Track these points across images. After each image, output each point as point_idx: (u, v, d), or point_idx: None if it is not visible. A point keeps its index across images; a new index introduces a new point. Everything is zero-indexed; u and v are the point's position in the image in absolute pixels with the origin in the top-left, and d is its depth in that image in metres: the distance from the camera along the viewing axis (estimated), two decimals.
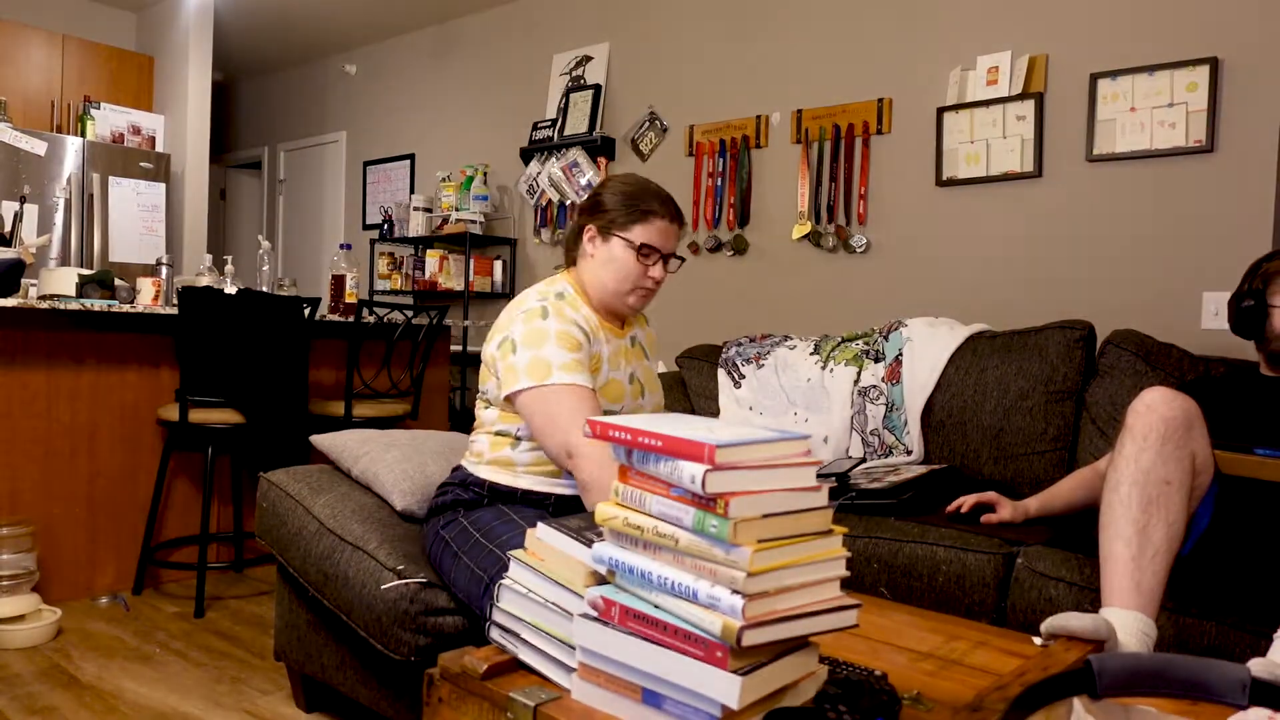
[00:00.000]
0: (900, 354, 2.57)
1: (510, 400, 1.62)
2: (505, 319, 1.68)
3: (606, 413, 1.68)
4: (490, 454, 1.71)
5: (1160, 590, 1.38)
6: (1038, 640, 1.34)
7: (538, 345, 1.59)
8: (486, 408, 1.73)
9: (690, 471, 0.94)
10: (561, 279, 1.76)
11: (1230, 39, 2.79)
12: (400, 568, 1.67)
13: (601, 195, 1.73)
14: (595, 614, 1.04)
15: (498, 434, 1.71)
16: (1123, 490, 1.44)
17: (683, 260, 1.78)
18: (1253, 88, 2.75)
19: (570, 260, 1.80)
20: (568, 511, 1.68)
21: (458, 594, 1.59)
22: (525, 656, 1.16)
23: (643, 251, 1.68)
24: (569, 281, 1.75)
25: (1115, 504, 1.44)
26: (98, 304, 2.84)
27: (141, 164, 4.93)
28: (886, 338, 2.64)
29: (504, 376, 1.62)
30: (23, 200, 3.43)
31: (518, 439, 1.69)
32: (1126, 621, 1.33)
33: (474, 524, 1.62)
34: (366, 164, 5.77)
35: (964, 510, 2.00)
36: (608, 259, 1.69)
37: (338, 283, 3.60)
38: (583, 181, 4.47)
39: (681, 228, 1.75)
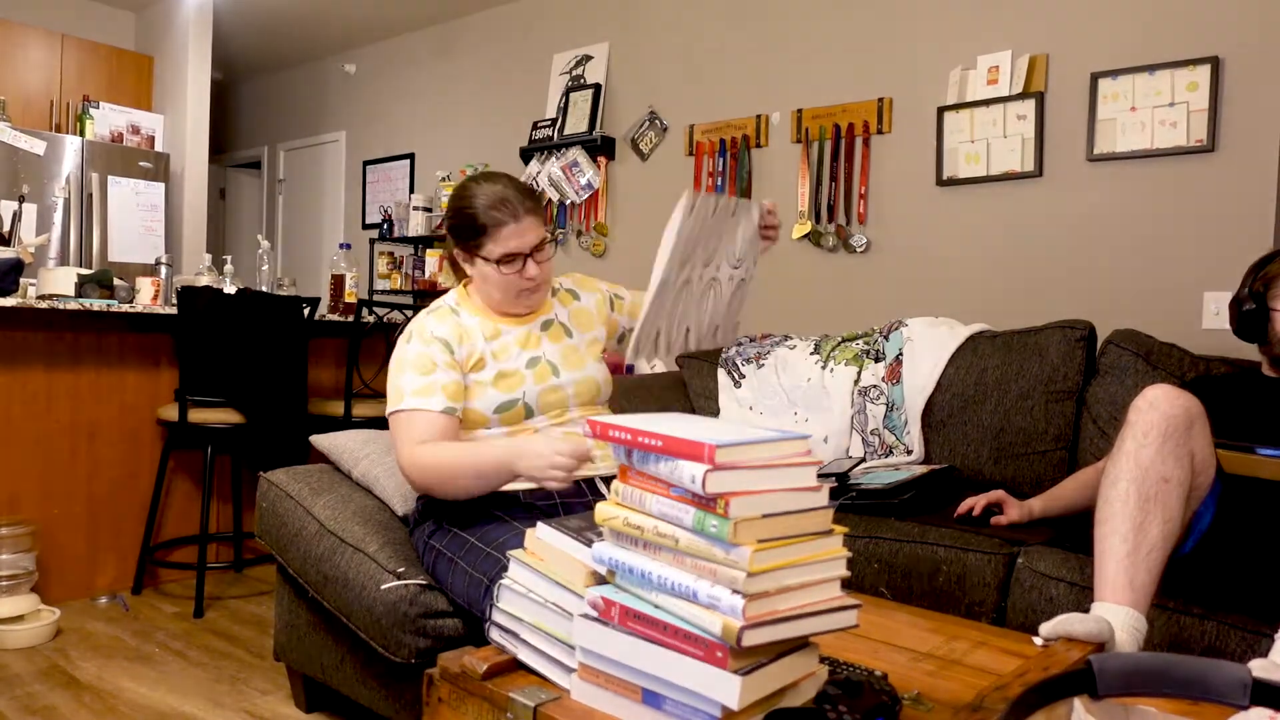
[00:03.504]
0: (900, 354, 2.57)
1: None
2: None
3: (504, 405, 1.69)
4: None
5: (1153, 587, 1.38)
6: (1038, 641, 1.34)
7: (397, 373, 1.69)
8: None
9: (690, 471, 0.94)
10: (454, 290, 1.83)
11: (1230, 39, 2.78)
12: (400, 570, 1.67)
13: (453, 220, 1.73)
14: (595, 614, 1.04)
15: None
16: (1121, 486, 1.44)
17: (557, 242, 1.81)
18: (1253, 88, 2.74)
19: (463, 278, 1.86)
20: (540, 505, 1.68)
21: (457, 600, 1.59)
22: (525, 657, 1.16)
23: (504, 261, 1.68)
24: (459, 293, 1.81)
25: (1113, 499, 1.44)
26: (97, 303, 2.84)
27: (141, 163, 4.93)
28: (887, 337, 2.64)
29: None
30: (22, 200, 3.42)
31: (489, 418, 1.71)
32: (1119, 617, 1.33)
33: (465, 530, 1.62)
34: (366, 164, 5.77)
35: (975, 513, 2.00)
36: (482, 277, 1.74)
37: (337, 282, 3.60)
38: (583, 181, 4.47)
39: (536, 209, 1.71)
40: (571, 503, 1.71)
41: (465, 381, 1.69)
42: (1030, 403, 2.34)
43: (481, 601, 1.49)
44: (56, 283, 3.04)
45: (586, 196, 4.49)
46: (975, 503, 2.01)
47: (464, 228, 1.70)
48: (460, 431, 1.70)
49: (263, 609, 2.89)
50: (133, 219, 4.87)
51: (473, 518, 1.64)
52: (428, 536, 1.69)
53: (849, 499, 2.11)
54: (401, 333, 1.76)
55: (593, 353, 1.85)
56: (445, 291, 4.83)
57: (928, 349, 2.54)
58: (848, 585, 1.92)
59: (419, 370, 1.66)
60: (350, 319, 3.36)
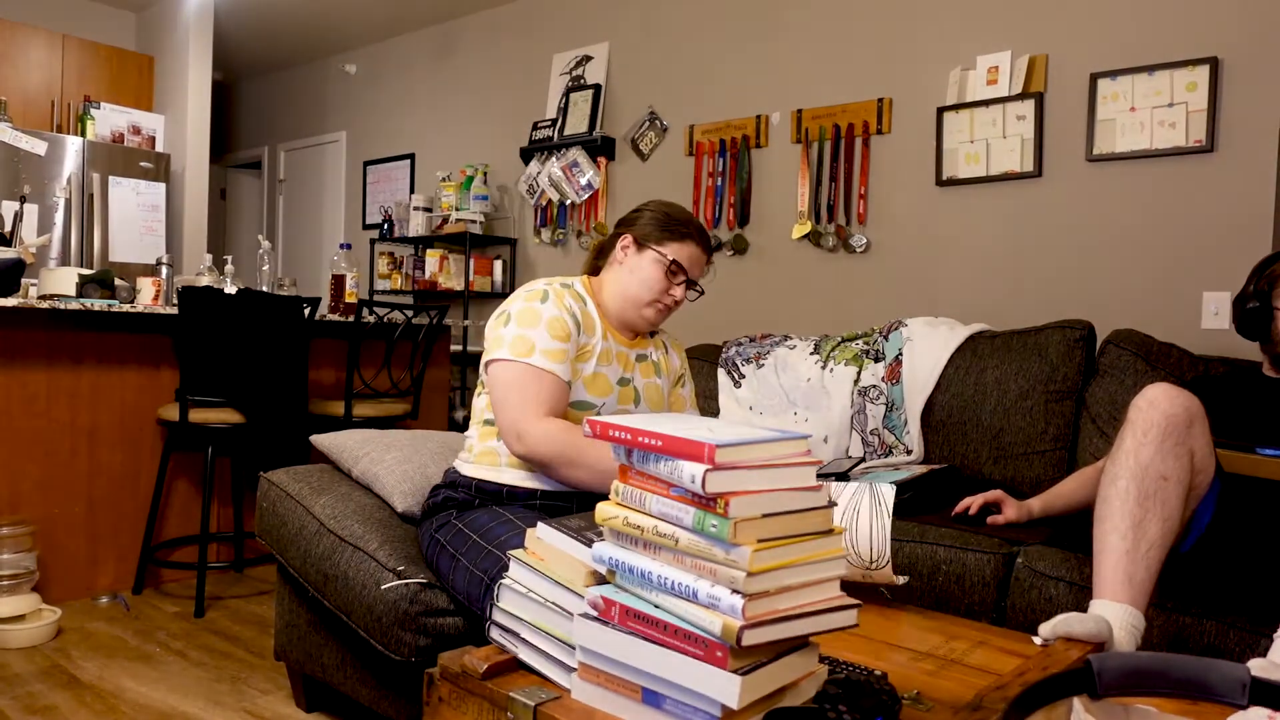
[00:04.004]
0: (900, 354, 2.57)
1: (487, 368, 1.68)
2: (512, 296, 1.75)
3: (582, 403, 1.71)
4: (479, 447, 1.74)
5: (1151, 584, 1.39)
6: (1037, 640, 1.34)
7: (529, 324, 1.65)
8: (480, 394, 1.78)
9: (690, 471, 0.94)
10: (577, 278, 1.84)
11: (1230, 39, 2.78)
12: (400, 568, 1.67)
13: (645, 210, 1.81)
14: (595, 614, 1.04)
15: (486, 422, 1.74)
16: (1120, 484, 1.44)
17: (702, 292, 1.85)
18: (1253, 88, 2.75)
19: (594, 269, 1.88)
20: (554, 507, 1.69)
21: (457, 596, 1.60)
22: (525, 656, 1.16)
23: (672, 268, 1.75)
24: (584, 282, 1.82)
25: (1112, 497, 1.44)
26: (98, 304, 2.84)
27: (141, 164, 4.93)
28: (886, 337, 2.64)
29: (489, 344, 1.68)
30: (23, 200, 3.43)
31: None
32: (1118, 615, 1.33)
33: (470, 526, 1.62)
34: (366, 164, 5.77)
35: (972, 512, 2.00)
36: (636, 267, 1.76)
37: (338, 282, 3.60)
38: (583, 181, 4.47)
39: (710, 262, 1.85)
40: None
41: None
42: (1030, 402, 2.34)
43: (482, 600, 1.49)
44: (58, 283, 3.04)
45: (586, 197, 4.49)
46: (972, 502, 2.02)
47: (661, 222, 1.77)
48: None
49: (263, 609, 2.89)
50: (133, 219, 4.87)
51: (480, 515, 1.64)
52: (434, 530, 1.70)
53: None
54: (524, 287, 1.74)
55: (668, 400, 1.90)
56: (445, 291, 4.85)
57: (927, 349, 2.54)
58: (848, 585, 1.93)
59: (553, 333, 1.65)
60: (351, 319, 3.36)
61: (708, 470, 0.93)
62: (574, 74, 4.59)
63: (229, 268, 3.48)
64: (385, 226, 5.20)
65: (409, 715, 1.74)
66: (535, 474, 1.70)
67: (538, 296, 1.69)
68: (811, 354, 2.73)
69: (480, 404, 1.76)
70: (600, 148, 4.41)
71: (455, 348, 4.80)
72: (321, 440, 2.15)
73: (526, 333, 1.64)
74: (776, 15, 3.85)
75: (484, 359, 1.70)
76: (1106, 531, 1.42)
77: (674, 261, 1.75)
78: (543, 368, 1.62)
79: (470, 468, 1.75)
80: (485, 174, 4.88)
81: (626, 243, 1.79)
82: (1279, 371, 1.83)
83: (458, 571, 1.58)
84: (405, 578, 1.65)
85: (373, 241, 5.39)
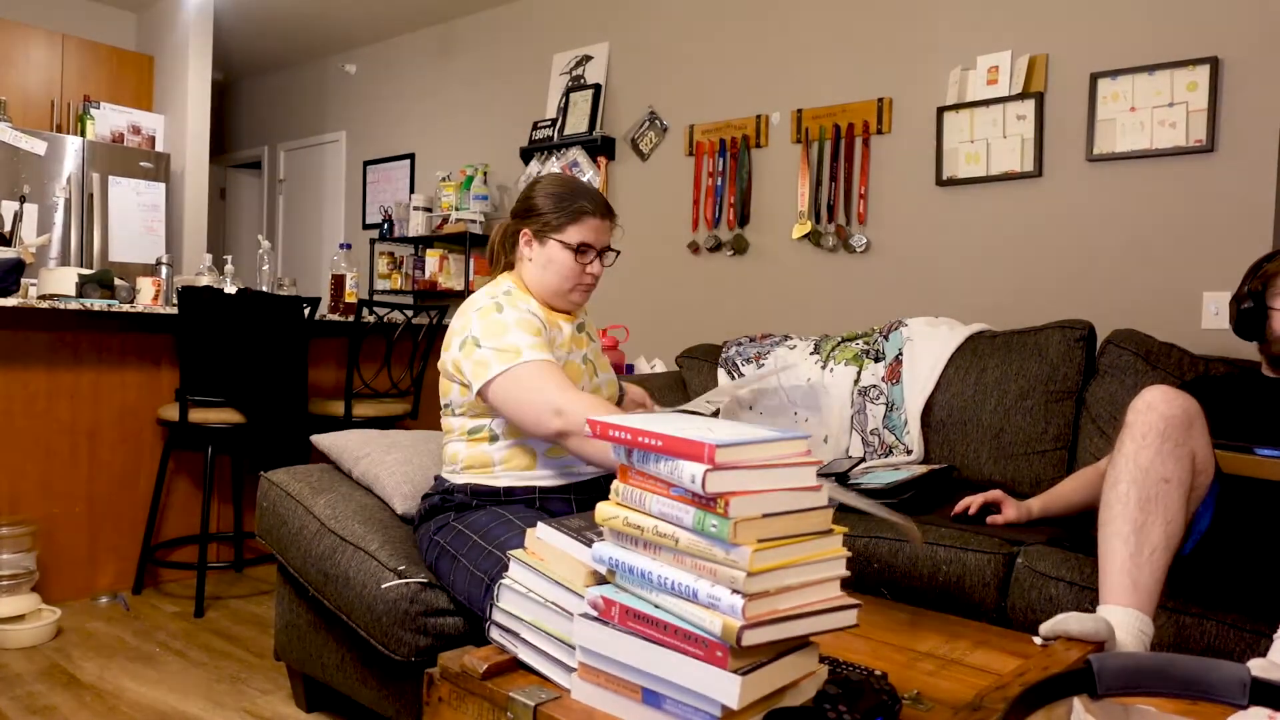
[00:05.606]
0: (900, 354, 2.57)
1: (483, 394, 1.63)
2: (459, 322, 1.71)
3: None
4: (467, 455, 1.72)
5: (1158, 588, 1.38)
6: (1038, 640, 1.34)
7: (501, 334, 1.63)
8: (452, 415, 1.74)
9: (690, 471, 0.94)
10: (504, 279, 1.81)
11: (1230, 39, 2.78)
12: (401, 568, 1.67)
13: (533, 198, 1.77)
14: (595, 614, 1.04)
15: (471, 434, 1.71)
16: (1121, 488, 1.44)
17: (618, 253, 1.83)
18: (1253, 88, 2.75)
19: (503, 263, 1.85)
20: (552, 503, 1.69)
21: (457, 597, 1.59)
22: (525, 656, 1.16)
23: (580, 250, 1.73)
24: (513, 281, 1.80)
25: (1114, 502, 1.44)
26: (98, 304, 2.84)
27: (141, 164, 4.93)
28: (886, 337, 2.64)
29: (474, 372, 1.63)
30: (23, 200, 3.43)
31: (494, 436, 1.70)
32: (1123, 619, 1.33)
33: (469, 527, 1.62)
34: (366, 164, 5.77)
35: (971, 511, 2.00)
36: (546, 261, 1.74)
37: (338, 282, 3.60)
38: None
39: (613, 222, 1.81)
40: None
41: None
42: (1030, 402, 2.34)
43: (482, 600, 1.49)
44: (57, 283, 3.04)
45: None
46: (972, 502, 2.02)
47: (553, 208, 1.73)
48: None
49: (263, 609, 2.89)
50: (133, 219, 4.87)
51: (479, 516, 1.64)
52: (433, 532, 1.69)
53: None
54: (469, 306, 1.70)
55: (598, 362, 1.91)
56: (445, 291, 4.85)
57: (927, 349, 2.54)
58: (847, 585, 1.93)
59: (527, 330, 1.64)
60: (350, 319, 3.36)
61: (708, 470, 0.93)
62: (574, 74, 4.59)
63: (229, 268, 3.48)
64: (385, 226, 5.20)
65: (409, 715, 1.74)
66: (528, 473, 1.70)
67: (493, 309, 1.67)
68: (811, 354, 2.73)
69: (458, 423, 1.73)
70: (600, 148, 4.41)
71: None
72: (322, 440, 2.15)
73: (502, 341, 1.62)
74: (776, 15, 3.85)
75: (475, 386, 1.63)
76: (1109, 536, 1.42)
77: (580, 244, 1.73)
78: (539, 359, 1.61)
79: (461, 475, 1.73)
80: (485, 174, 4.88)
81: (527, 238, 1.76)
82: (1277, 372, 1.83)
83: (458, 573, 1.58)
84: (406, 577, 1.65)
85: (373, 241, 5.39)
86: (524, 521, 1.58)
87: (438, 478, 1.81)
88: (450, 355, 1.69)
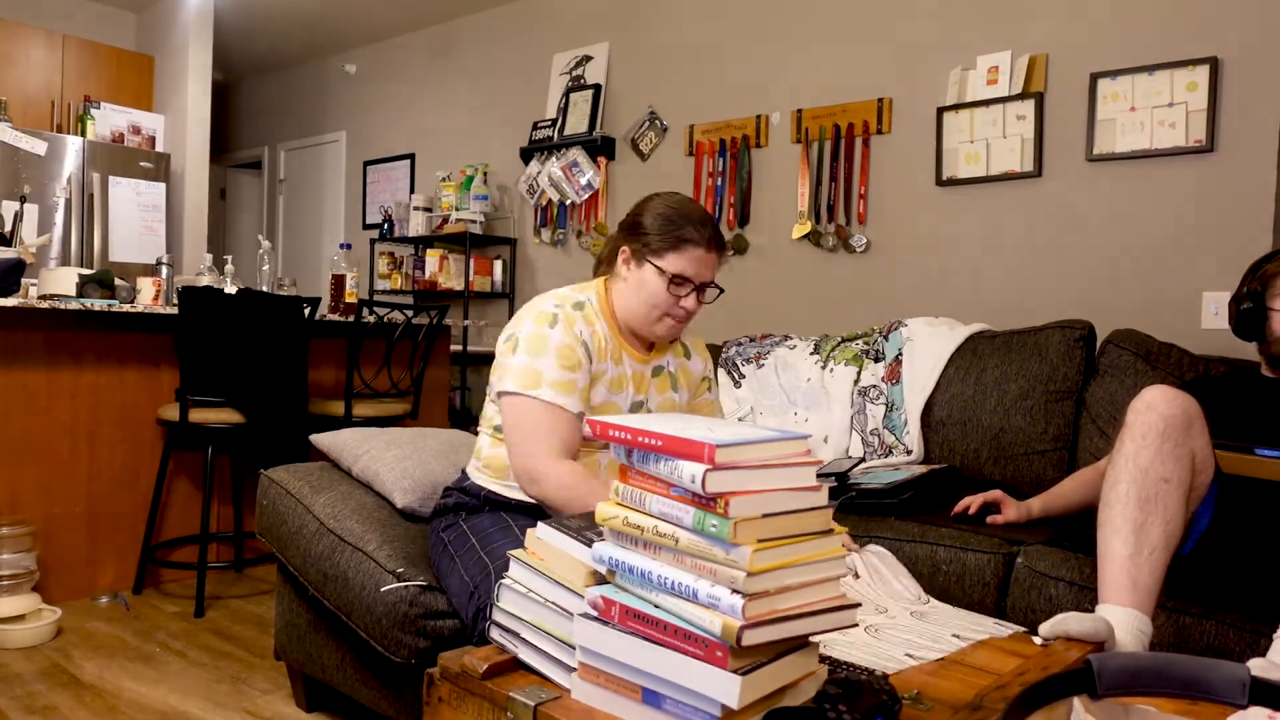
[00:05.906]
0: (900, 354, 2.57)
1: (497, 397, 1.63)
2: (522, 312, 1.67)
3: (592, 439, 1.66)
4: (488, 454, 1.71)
5: (1157, 588, 1.38)
6: (1037, 640, 1.34)
7: (536, 353, 1.57)
8: (490, 402, 1.74)
9: (690, 471, 0.94)
10: (592, 288, 1.72)
11: (1230, 39, 2.78)
12: (400, 570, 1.67)
13: (642, 216, 1.67)
14: (595, 614, 1.04)
15: (497, 430, 1.71)
16: (1121, 488, 1.44)
17: (720, 290, 1.71)
18: (1253, 88, 2.75)
19: (604, 273, 1.77)
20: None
21: (451, 599, 1.59)
22: (525, 656, 1.16)
23: (675, 281, 1.62)
24: (597, 293, 1.71)
25: (1114, 502, 1.44)
26: (98, 304, 2.84)
27: (141, 164, 4.93)
28: (886, 338, 2.64)
29: (498, 370, 1.62)
30: (23, 200, 3.43)
31: None
32: (1123, 619, 1.33)
33: (473, 529, 1.62)
34: (366, 164, 5.77)
35: (971, 511, 2.00)
36: (639, 284, 1.64)
37: (338, 282, 3.60)
38: (583, 181, 4.47)
39: (722, 255, 1.68)
40: None
41: None
42: (1030, 403, 2.34)
43: (467, 605, 1.49)
44: (58, 283, 3.04)
45: (586, 197, 4.49)
46: (972, 502, 2.02)
47: (658, 230, 1.62)
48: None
49: (263, 609, 2.89)
50: (133, 219, 4.87)
51: (484, 519, 1.64)
52: (441, 530, 1.69)
53: (849, 499, 2.11)
54: (537, 303, 1.64)
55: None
56: (445, 291, 4.85)
57: (927, 349, 2.54)
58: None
59: (563, 363, 1.57)
60: (350, 319, 3.36)
61: (708, 470, 0.93)
62: (574, 74, 4.59)
63: (229, 268, 3.48)
64: (385, 226, 5.20)
65: (409, 715, 1.74)
66: None
67: (546, 320, 1.60)
68: (811, 354, 2.73)
69: (491, 409, 1.72)
70: (600, 147, 4.41)
71: (455, 348, 4.80)
72: (321, 439, 2.15)
73: (534, 363, 1.56)
74: (777, 16, 3.85)
75: (493, 387, 1.64)
76: (1108, 536, 1.42)
77: (675, 275, 1.61)
78: (552, 402, 1.54)
79: (480, 476, 1.73)
80: (485, 174, 4.88)
81: (626, 256, 1.67)
82: (1276, 372, 1.83)
83: (453, 574, 1.58)
84: (405, 580, 1.65)
85: (373, 241, 5.39)
86: (526, 529, 1.57)
87: (463, 471, 1.80)
88: (499, 343, 1.67)
